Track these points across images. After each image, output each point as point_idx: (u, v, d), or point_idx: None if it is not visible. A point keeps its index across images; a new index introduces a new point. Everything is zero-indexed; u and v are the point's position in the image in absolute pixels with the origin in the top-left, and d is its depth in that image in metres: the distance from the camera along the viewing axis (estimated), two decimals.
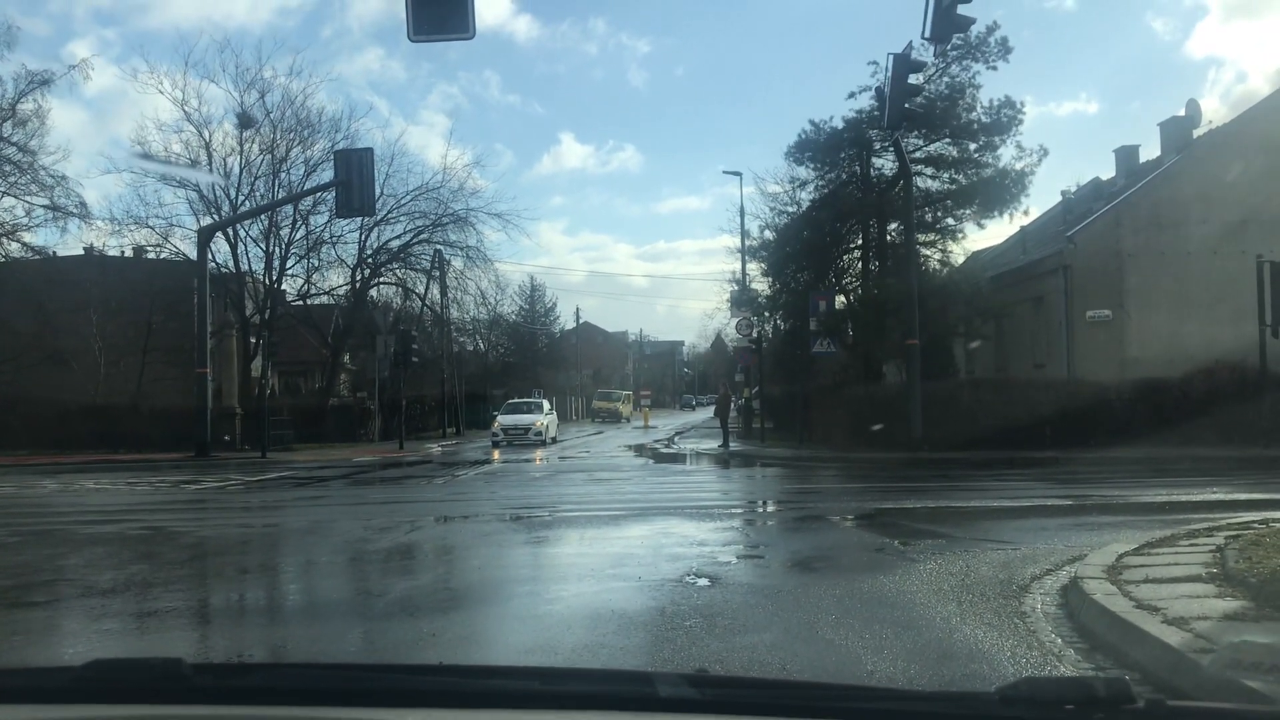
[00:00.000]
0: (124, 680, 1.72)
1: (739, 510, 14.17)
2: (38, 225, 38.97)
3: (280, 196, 39.08)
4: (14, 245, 39.62)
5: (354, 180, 24.39)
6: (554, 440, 36.91)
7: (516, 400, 42.27)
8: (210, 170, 39.98)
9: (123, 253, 42.24)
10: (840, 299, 31.72)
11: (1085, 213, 30.67)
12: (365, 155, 24.77)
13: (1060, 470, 18.74)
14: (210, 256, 40.33)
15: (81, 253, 43.11)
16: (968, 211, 29.77)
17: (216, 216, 38.70)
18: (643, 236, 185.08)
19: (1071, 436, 22.10)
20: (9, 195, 38.62)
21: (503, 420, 36.54)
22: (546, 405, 39.92)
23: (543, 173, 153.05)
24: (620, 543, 10.35)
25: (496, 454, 29.54)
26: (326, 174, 34.50)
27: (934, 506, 13.09)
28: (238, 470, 24.51)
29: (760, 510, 14.71)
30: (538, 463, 24.58)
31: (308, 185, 37.80)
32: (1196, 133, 30.20)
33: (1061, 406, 23.32)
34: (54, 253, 41.98)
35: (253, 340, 41.37)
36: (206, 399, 29.60)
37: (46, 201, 38.38)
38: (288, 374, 50.88)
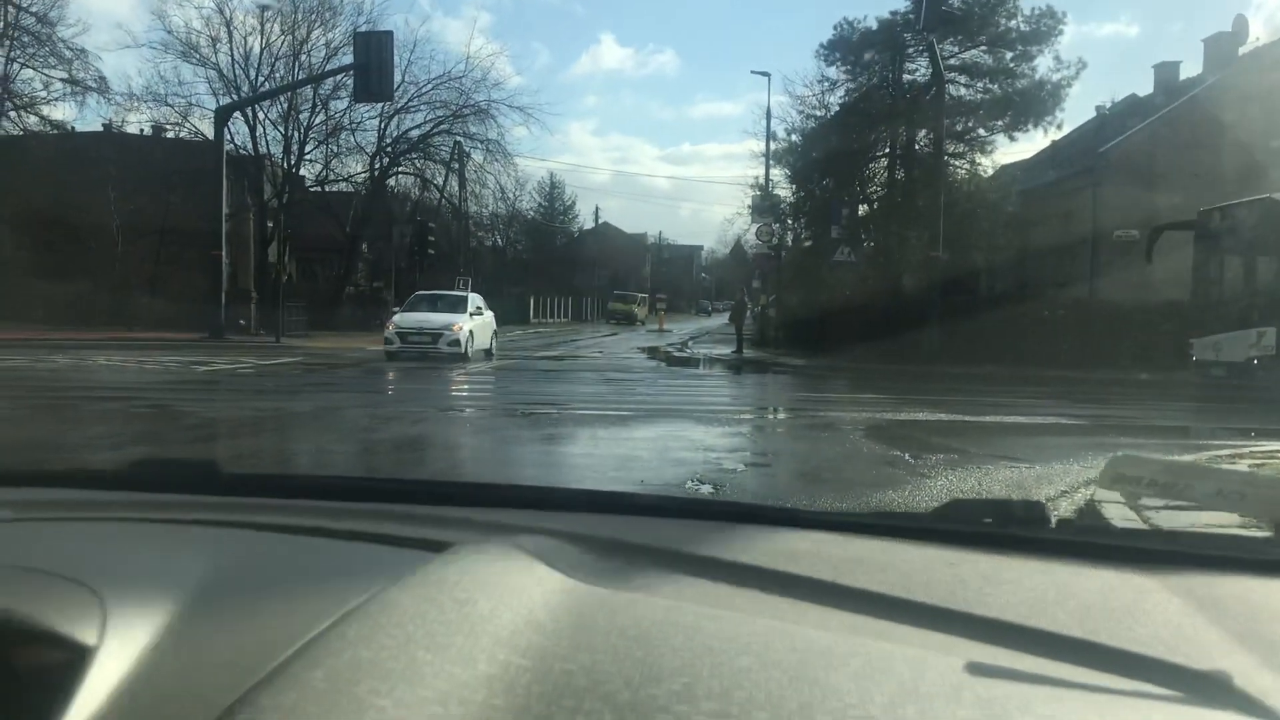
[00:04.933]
0: (167, 474, 1.87)
1: (748, 416, 13.97)
2: (56, 99, 38.49)
3: (300, 79, 38.50)
4: (32, 119, 39.29)
5: (373, 64, 23.84)
6: (490, 354, 25.82)
7: (427, 292, 27.84)
8: (230, 50, 39.41)
9: (142, 131, 41.70)
10: (863, 208, 31.21)
11: (1120, 129, 29.89)
12: (385, 38, 24.14)
13: (1079, 390, 18.44)
14: (229, 138, 40.10)
15: (100, 129, 42.59)
16: (999, 123, 29.03)
17: (236, 97, 38.25)
18: (669, 139, 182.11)
19: (1092, 356, 21.81)
20: (27, 67, 38.17)
21: (402, 321, 24.43)
22: (477, 301, 26.58)
23: (579, 73, 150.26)
24: (626, 444, 10.18)
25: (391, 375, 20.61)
26: (348, 58, 33.62)
27: (948, 420, 12.86)
28: (250, 354, 24.45)
29: (770, 417, 14.45)
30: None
31: (328, 69, 37.11)
32: (1242, 50, 29.27)
33: (1083, 326, 23.02)
34: (73, 128, 41.57)
35: (270, 225, 41.15)
36: (221, 281, 29.52)
37: (65, 75, 37.95)
38: (306, 260, 50.59)
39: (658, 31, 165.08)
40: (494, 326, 27.10)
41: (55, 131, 39.45)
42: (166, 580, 1.12)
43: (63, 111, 48.86)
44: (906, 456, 9.33)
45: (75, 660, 0.93)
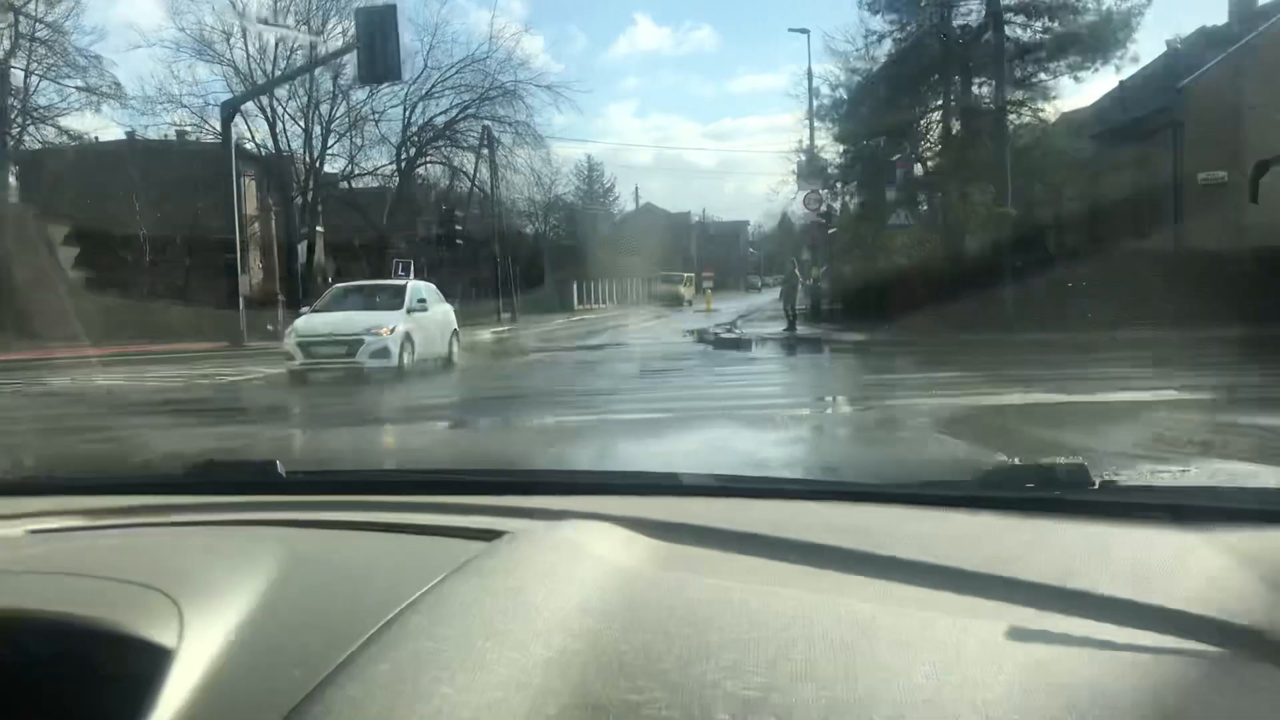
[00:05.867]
0: (226, 476, 1.91)
1: (806, 411, 11.84)
2: (74, 110, 37.45)
3: (316, 72, 37.08)
4: (49, 130, 38.23)
5: (377, 41, 22.01)
6: (451, 361, 19.38)
7: (350, 283, 22.08)
8: (244, 44, 38.13)
9: (165, 137, 40.84)
10: (918, 168, 28.95)
11: (1196, 63, 27.31)
12: (388, 12, 22.22)
13: (1182, 353, 16.03)
14: (250, 136, 38.85)
15: (123, 138, 41.71)
16: (1062, 64, 26.55)
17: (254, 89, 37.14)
18: (710, 115, 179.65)
19: (1183, 315, 19.47)
20: (45, 79, 37.08)
21: (306, 326, 17.54)
22: (421, 293, 19.18)
23: (617, 55, 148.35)
24: (658, 461, 8.08)
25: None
26: None
27: (1047, 403, 10.71)
28: (265, 362, 22.74)
29: (830, 411, 12.20)
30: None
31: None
32: None
33: (1170, 281, 20.68)
34: (96, 138, 40.65)
35: (300, 225, 40.05)
36: (237, 286, 28.13)
37: (80, 83, 36.88)
38: (344, 259, 49.23)
39: (694, 8, 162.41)
40: (454, 325, 20.03)
41: (75, 143, 38.51)
42: (237, 582, 1.13)
43: (84, 122, 47.81)
44: (1016, 463, 7.24)
45: (158, 662, 0.97)
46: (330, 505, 1.63)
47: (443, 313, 19.77)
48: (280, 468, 1.79)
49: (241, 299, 27.96)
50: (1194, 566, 1.15)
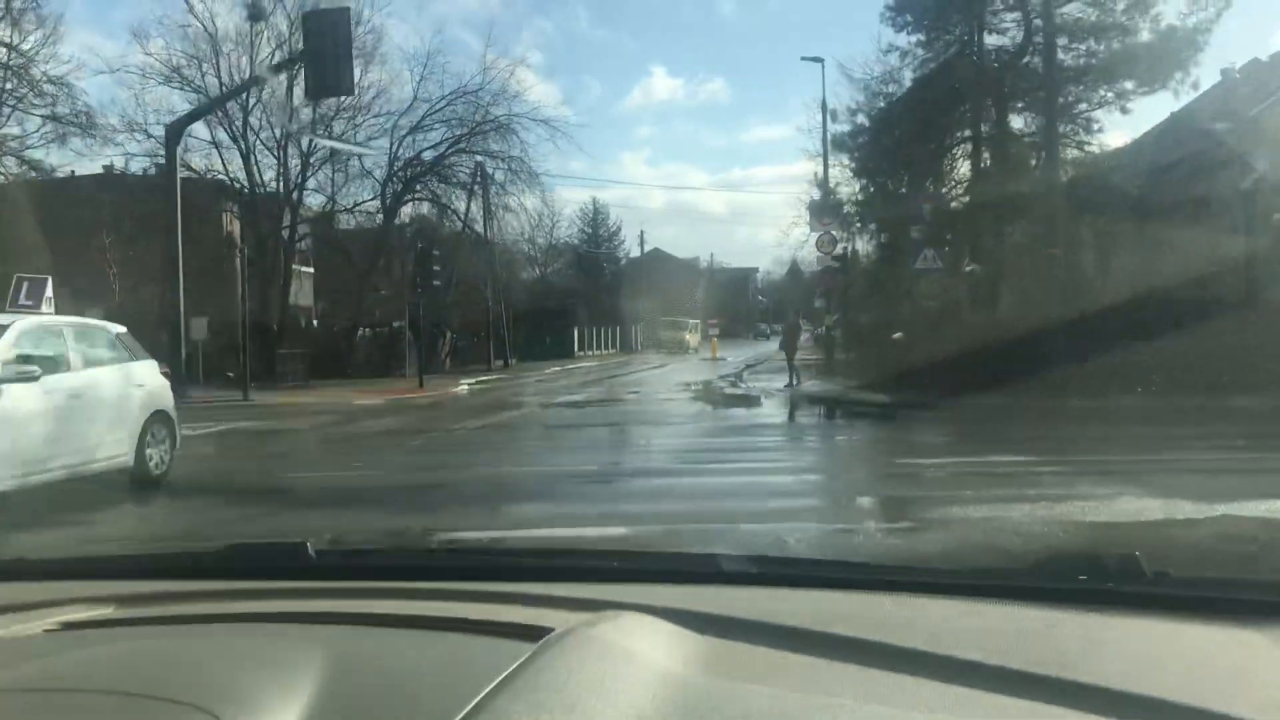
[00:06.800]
0: (257, 559, 1.86)
1: (816, 517, 8.42)
2: (47, 143, 34.91)
3: (294, 97, 34.40)
4: (10, 161, 35.51)
5: (328, 49, 19.02)
6: (143, 471, 10.50)
7: None
8: (217, 70, 35.46)
9: (145, 171, 38.26)
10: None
11: (1259, 93, 24.25)
12: (339, 16, 19.12)
13: None
14: (222, 168, 36.20)
15: (100, 172, 39.37)
16: (1110, 91, 23.48)
17: (226, 121, 34.61)
18: (721, 165, 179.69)
19: (1267, 378, 16.28)
20: (18, 110, 34.45)
21: None
22: (56, 339, 10.14)
23: (632, 105, 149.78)
24: None
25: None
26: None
27: (1157, 520, 7.10)
28: (194, 417, 19.63)
29: (853, 523, 8.23)
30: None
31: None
32: None
33: (1251, 337, 17.52)
34: (73, 172, 38.55)
35: (286, 263, 37.63)
36: (180, 331, 25.19)
37: (47, 112, 34.30)
38: (334, 301, 46.51)
39: (707, 61, 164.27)
40: (162, 404, 11.24)
41: (41, 177, 35.98)
42: (281, 698, 1.08)
43: (59, 156, 45.05)
44: (1067, 551, 3.99)
45: None
46: (364, 593, 1.57)
47: (120, 382, 10.75)
48: (311, 549, 1.74)
49: (184, 343, 24.93)
50: (1262, 669, 1.10)
